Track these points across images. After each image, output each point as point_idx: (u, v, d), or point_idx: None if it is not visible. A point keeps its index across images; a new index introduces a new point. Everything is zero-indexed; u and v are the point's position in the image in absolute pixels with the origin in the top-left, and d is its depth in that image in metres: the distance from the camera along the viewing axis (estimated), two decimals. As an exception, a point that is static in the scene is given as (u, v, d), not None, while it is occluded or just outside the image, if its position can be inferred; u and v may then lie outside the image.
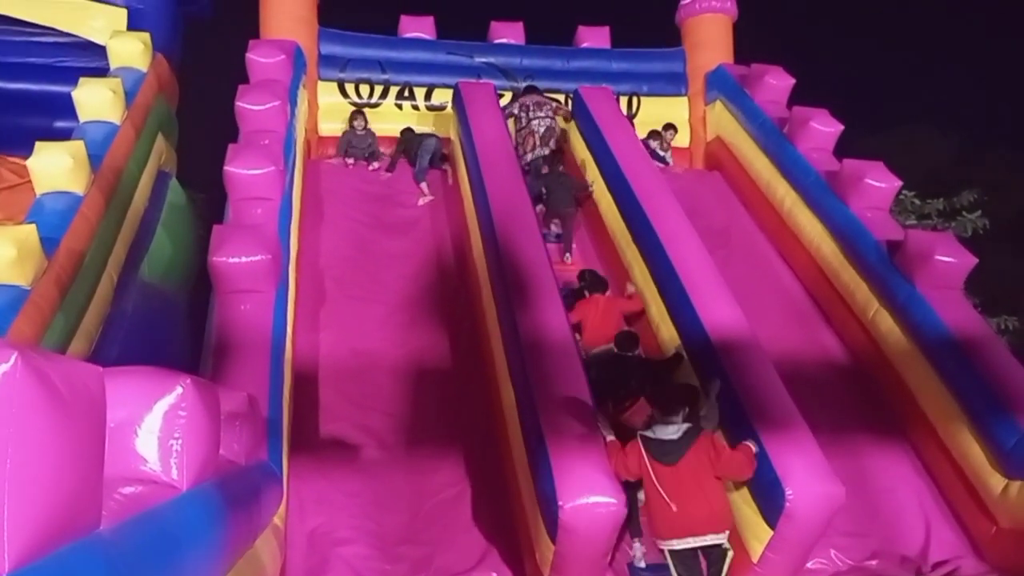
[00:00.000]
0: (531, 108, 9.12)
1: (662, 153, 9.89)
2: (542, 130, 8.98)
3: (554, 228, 8.27)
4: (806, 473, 5.03)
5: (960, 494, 6.03)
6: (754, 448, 4.85)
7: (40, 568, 1.43)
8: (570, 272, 7.60)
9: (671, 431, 4.73)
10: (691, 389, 5.12)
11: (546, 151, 8.91)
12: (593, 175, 8.60)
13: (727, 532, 4.73)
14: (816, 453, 5.18)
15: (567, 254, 8.10)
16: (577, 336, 6.27)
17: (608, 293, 7.05)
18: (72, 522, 1.57)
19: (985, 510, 5.77)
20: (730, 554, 4.71)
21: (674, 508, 4.56)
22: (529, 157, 8.85)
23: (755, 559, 5.25)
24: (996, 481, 5.65)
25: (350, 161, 9.01)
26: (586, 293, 6.95)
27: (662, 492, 4.56)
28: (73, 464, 1.55)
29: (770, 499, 5.05)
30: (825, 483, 5.05)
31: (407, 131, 9.42)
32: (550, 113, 9.13)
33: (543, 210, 8.22)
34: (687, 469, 4.62)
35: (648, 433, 4.77)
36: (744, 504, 5.32)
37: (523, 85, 9.72)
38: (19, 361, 1.38)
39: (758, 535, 5.19)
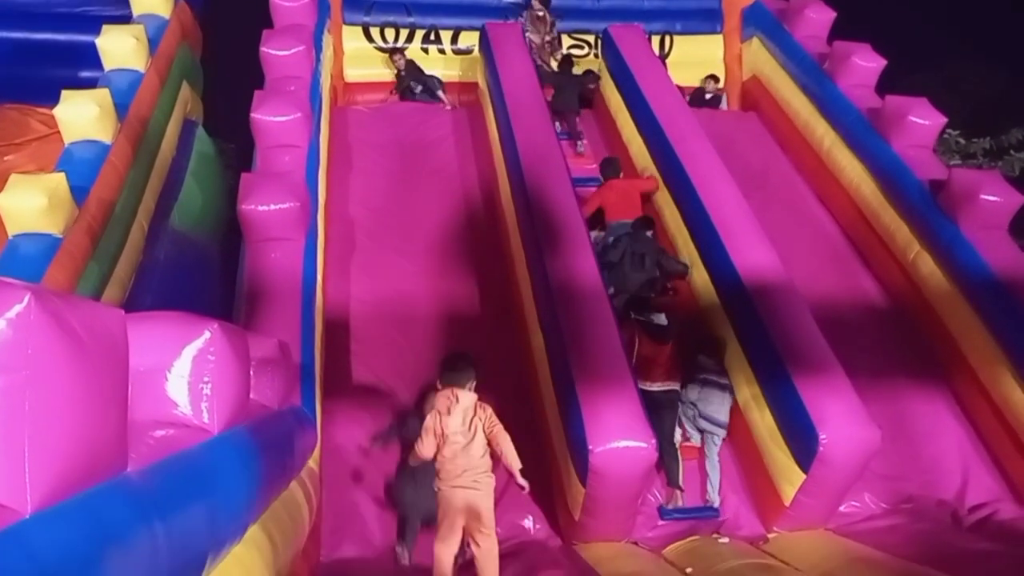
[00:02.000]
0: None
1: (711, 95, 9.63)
2: None
3: (558, 127, 8.41)
4: (841, 417, 4.98)
5: (1000, 439, 5.93)
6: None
7: (64, 509, 1.43)
8: (583, 164, 8.26)
9: (662, 319, 5.90)
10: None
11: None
12: (624, 119, 8.40)
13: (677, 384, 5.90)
14: (851, 397, 5.11)
15: (580, 143, 8.62)
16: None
17: (622, 176, 7.60)
18: (96, 464, 1.56)
19: (1026, 455, 5.68)
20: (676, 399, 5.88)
21: (655, 370, 5.79)
22: None
23: (787, 502, 5.24)
24: (1039, 425, 5.54)
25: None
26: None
27: (649, 360, 5.79)
28: (94, 406, 1.53)
29: (803, 443, 5.01)
30: (860, 427, 4.99)
31: (411, 64, 9.45)
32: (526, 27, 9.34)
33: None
34: (668, 348, 5.86)
35: (642, 319, 5.93)
36: (776, 448, 5.29)
37: (551, 23, 9.51)
38: (32, 301, 1.36)
39: (790, 479, 5.18)
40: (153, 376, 2.38)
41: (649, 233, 6.81)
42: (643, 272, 6.55)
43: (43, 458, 1.37)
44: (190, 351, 2.46)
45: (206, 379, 2.47)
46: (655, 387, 5.66)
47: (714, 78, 9.73)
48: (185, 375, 2.44)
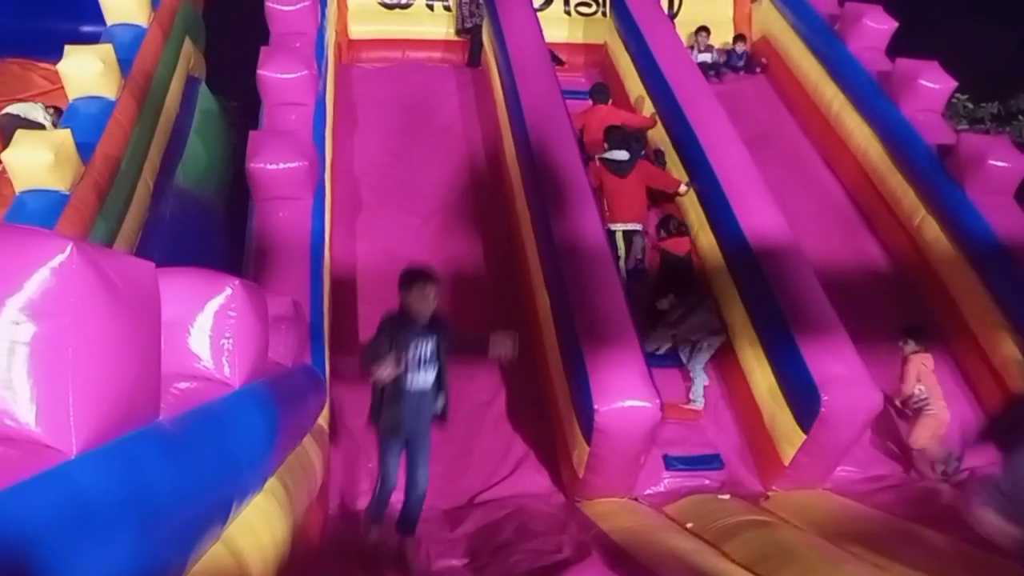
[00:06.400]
0: None
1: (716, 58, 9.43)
2: None
3: None
4: (843, 379, 5.03)
5: (999, 403, 5.98)
6: (683, 188, 6.84)
7: (105, 452, 1.47)
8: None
9: (622, 155, 6.68)
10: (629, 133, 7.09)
11: None
12: (632, 80, 8.34)
13: (642, 223, 6.74)
14: (854, 359, 5.16)
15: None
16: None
17: (611, 103, 7.74)
18: (133, 410, 1.60)
19: (1024, 418, 5.73)
20: (642, 236, 6.77)
21: (620, 204, 6.61)
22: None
23: (786, 462, 5.32)
24: (1038, 389, 5.59)
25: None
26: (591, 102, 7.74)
27: (614, 194, 6.63)
28: (132, 353, 1.57)
29: (805, 404, 5.07)
30: (862, 389, 5.04)
31: None
32: None
33: None
34: (630, 181, 6.67)
35: (607, 156, 6.74)
36: (778, 409, 5.36)
37: None
38: (74, 251, 1.39)
39: (791, 439, 5.25)
40: (176, 330, 2.41)
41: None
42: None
43: (86, 402, 1.41)
44: (212, 306, 2.49)
45: (227, 334, 2.51)
46: (621, 226, 6.46)
47: (741, 38, 9.54)
48: (207, 330, 2.47)
